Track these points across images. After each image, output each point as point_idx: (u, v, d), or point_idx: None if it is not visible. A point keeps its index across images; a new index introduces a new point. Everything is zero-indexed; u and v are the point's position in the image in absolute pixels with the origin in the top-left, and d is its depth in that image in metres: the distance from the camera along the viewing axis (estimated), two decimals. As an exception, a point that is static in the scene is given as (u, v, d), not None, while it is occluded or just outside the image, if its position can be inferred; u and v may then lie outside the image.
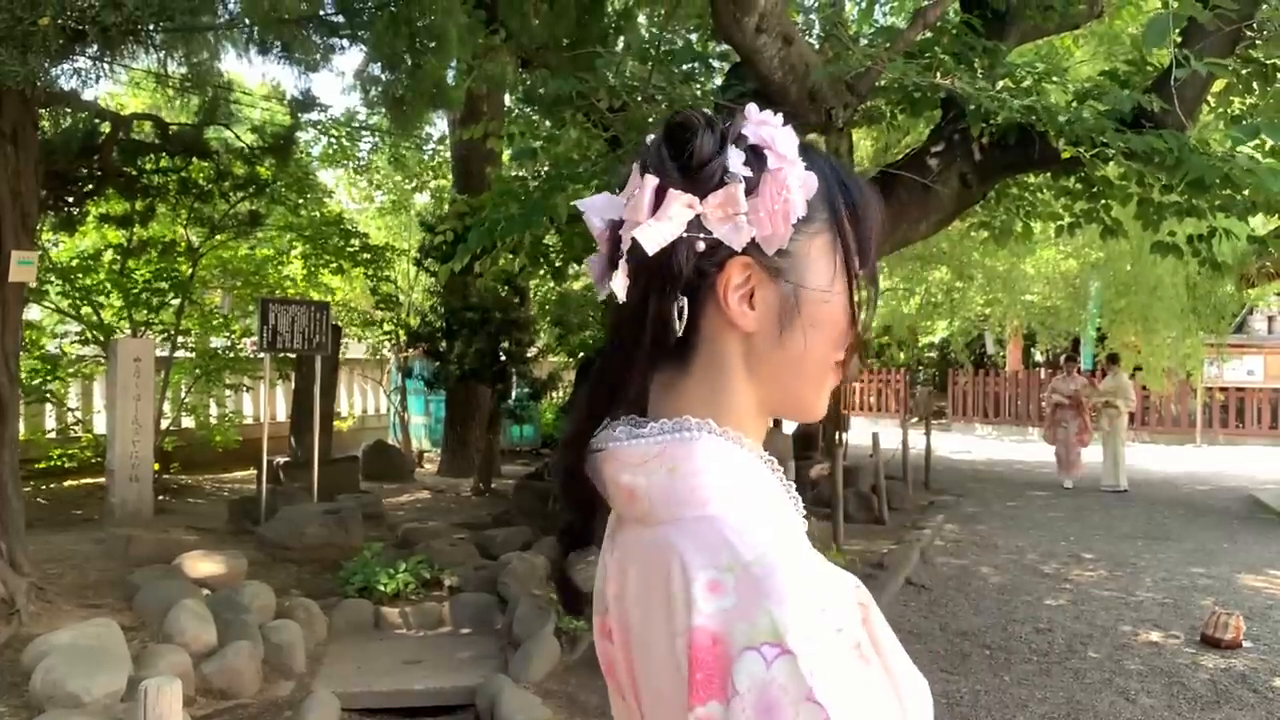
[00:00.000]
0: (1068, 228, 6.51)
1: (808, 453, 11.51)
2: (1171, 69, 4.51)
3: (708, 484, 0.83)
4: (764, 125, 0.88)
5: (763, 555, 0.78)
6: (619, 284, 0.86)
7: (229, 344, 10.44)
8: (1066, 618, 6.48)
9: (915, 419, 14.59)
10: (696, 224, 0.85)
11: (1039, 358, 24.41)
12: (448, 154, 13.33)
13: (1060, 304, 17.20)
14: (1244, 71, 5.09)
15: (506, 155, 10.27)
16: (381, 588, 6.08)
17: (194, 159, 8.88)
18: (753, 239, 0.86)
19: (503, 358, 10.29)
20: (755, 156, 0.87)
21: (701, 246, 0.85)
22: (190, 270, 9.62)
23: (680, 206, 0.85)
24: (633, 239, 0.84)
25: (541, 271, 7.50)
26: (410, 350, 12.29)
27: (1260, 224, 7.00)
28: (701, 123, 0.87)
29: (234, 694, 4.68)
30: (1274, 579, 7.77)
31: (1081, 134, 4.11)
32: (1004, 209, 7.06)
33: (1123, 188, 5.92)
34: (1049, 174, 6.26)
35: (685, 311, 0.87)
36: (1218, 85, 5.43)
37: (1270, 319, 21.02)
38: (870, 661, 0.77)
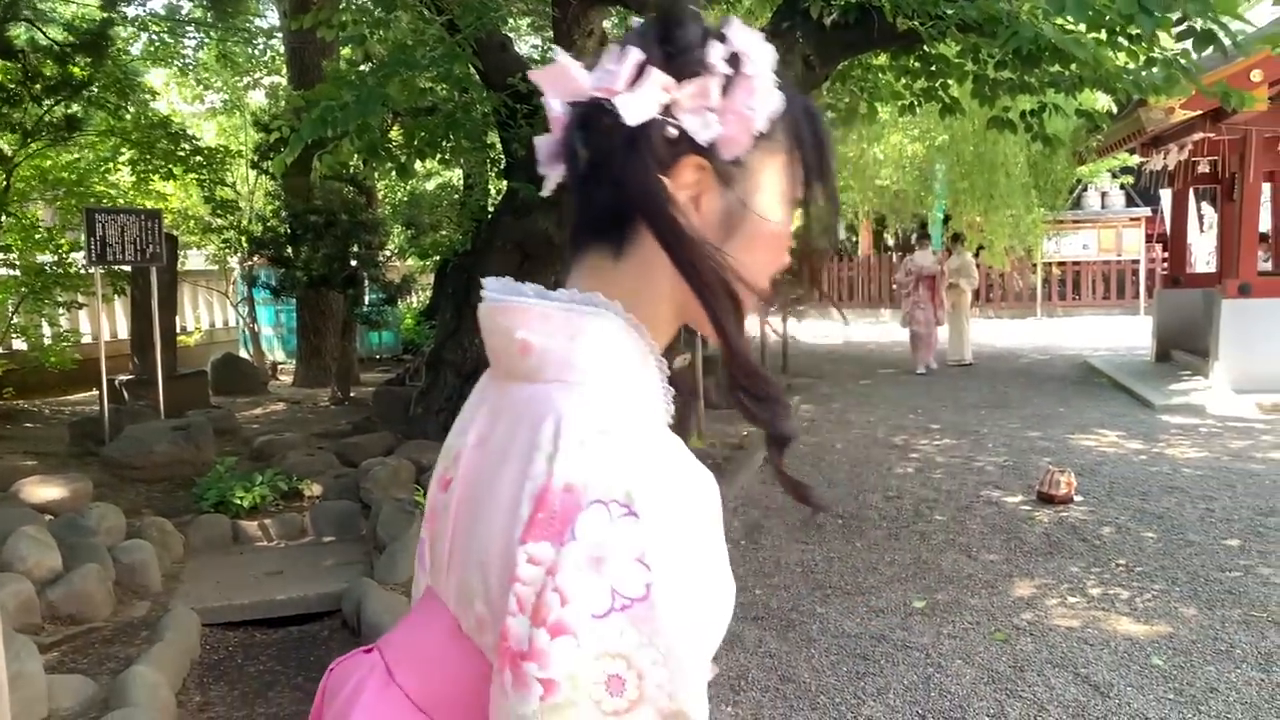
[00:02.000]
0: (909, 107, 6.63)
1: (670, 343, 11.63)
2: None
3: (601, 357, 0.86)
4: (746, 35, 0.89)
5: (638, 429, 0.82)
6: (579, 152, 0.87)
7: (56, 260, 9.81)
8: (914, 485, 6.80)
9: (774, 306, 14.93)
10: (667, 110, 0.85)
11: (890, 242, 25.11)
12: (281, 48, 12.65)
13: (908, 188, 17.65)
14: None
15: (345, 49, 9.83)
16: (238, 502, 5.94)
17: (-2, 60, 8.21)
18: (712, 141, 0.86)
19: (353, 262, 9.99)
20: (733, 59, 0.87)
21: (673, 133, 0.85)
22: (5, 182, 8.95)
23: (657, 85, 0.85)
24: (610, 111, 0.84)
25: (386, 168, 7.25)
26: (254, 258, 11.80)
27: (1093, 100, 7.27)
28: (691, 14, 0.88)
29: (85, 618, 4.52)
30: (1103, 437, 8.31)
31: (916, 7, 4.15)
32: (849, 91, 7.13)
33: (959, 65, 6.04)
34: (890, 54, 6.32)
35: (676, 183, 0.86)
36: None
37: (1103, 195, 22.06)
38: (708, 550, 0.81)
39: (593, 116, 0.86)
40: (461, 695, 0.84)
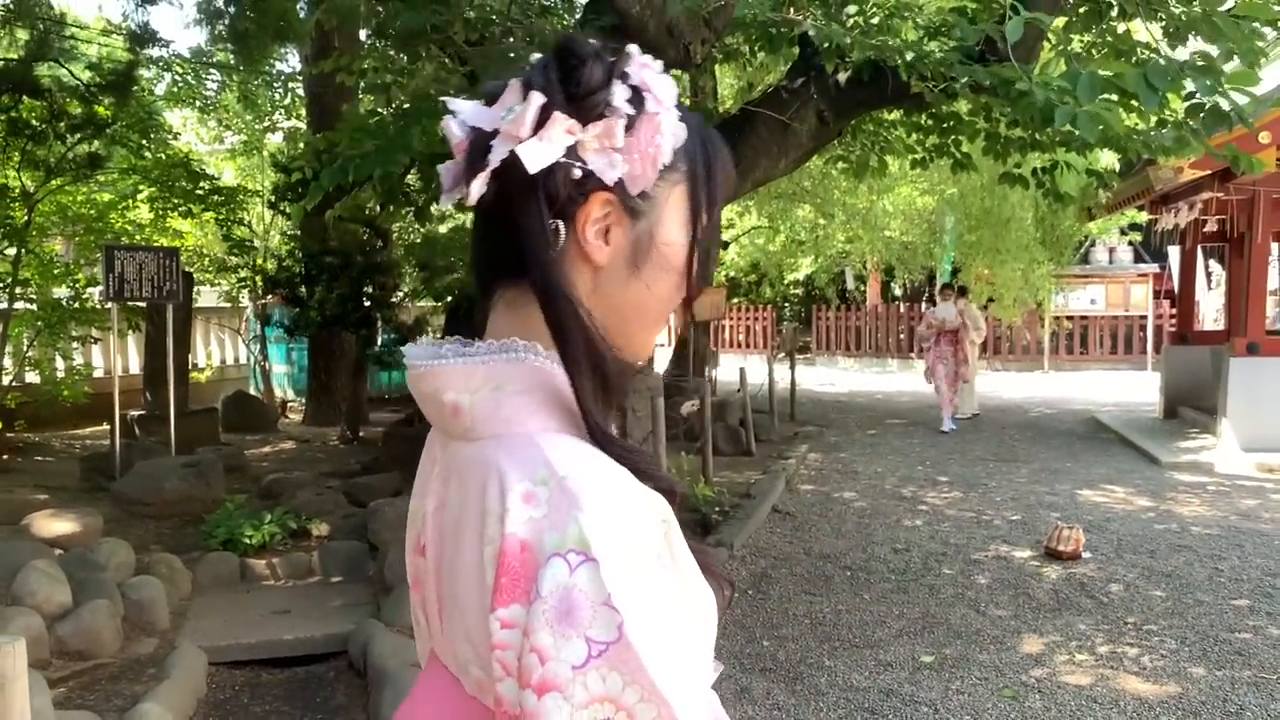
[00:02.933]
0: (920, 162, 6.72)
1: (679, 390, 11.67)
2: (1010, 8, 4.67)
3: (530, 404, 0.88)
4: (646, 68, 0.90)
5: (576, 470, 0.82)
6: (477, 188, 0.87)
7: (73, 294, 9.90)
8: (922, 538, 6.79)
9: (781, 354, 14.94)
10: (572, 151, 0.86)
11: (897, 292, 25.20)
12: (301, 92, 12.84)
13: (916, 240, 17.75)
14: (1081, 10, 5.30)
15: (366, 97, 9.98)
16: (247, 540, 5.95)
17: (24, 98, 8.32)
18: (621, 178, 0.88)
19: (366, 303, 10.07)
20: (636, 96, 0.88)
21: (578, 174, 0.87)
22: (26, 217, 9.06)
23: (561, 130, 0.86)
24: (511, 153, 0.84)
25: (403, 212, 7.34)
26: (268, 297, 11.90)
27: (1100, 159, 7.35)
28: (591, 52, 0.89)
29: (93, 654, 4.53)
30: (1111, 493, 8.29)
31: (930, 69, 4.23)
32: (860, 144, 7.22)
33: (971, 123, 6.12)
34: (902, 110, 6.41)
35: (561, 232, 0.88)
36: (1059, 22, 5.64)
37: (1111, 250, 22.15)
38: (668, 573, 0.82)
39: (489, 156, 0.87)
40: None
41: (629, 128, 0.87)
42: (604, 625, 0.76)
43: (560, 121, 0.85)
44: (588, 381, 0.88)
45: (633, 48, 0.91)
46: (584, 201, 0.88)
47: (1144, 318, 20.93)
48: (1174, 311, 20.02)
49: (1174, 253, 16.69)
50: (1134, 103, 4.21)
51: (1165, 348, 13.54)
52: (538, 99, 0.86)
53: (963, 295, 14.09)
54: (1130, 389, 16.13)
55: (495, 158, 0.86)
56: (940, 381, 12.29)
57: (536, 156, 0.84)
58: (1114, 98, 3.84)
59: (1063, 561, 6.12)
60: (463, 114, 0.90)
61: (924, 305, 13.35)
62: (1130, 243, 21.29)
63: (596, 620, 0.76)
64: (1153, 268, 21.08)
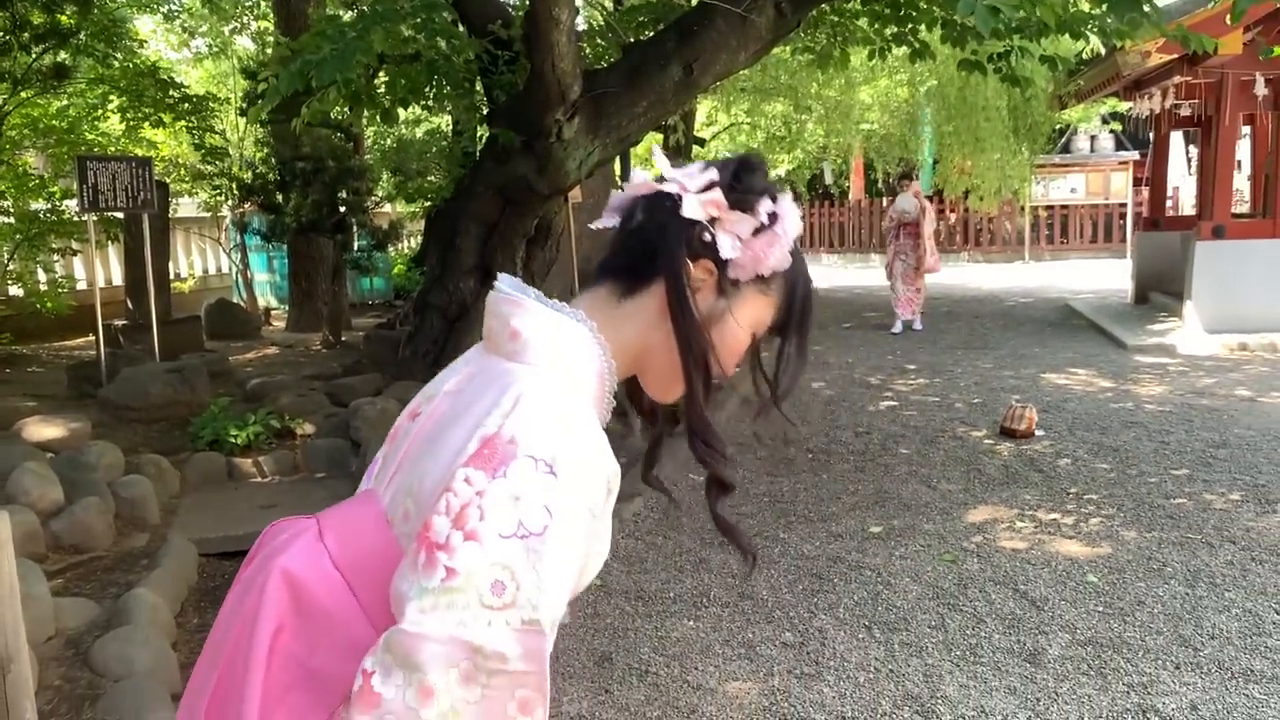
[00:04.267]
0: (879, 51, 6.77)
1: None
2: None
3: (567, 354, 1.11)
4: (790, 206, 1.17)
5: (573, 412, 1.06)
6: (609, 219, 1.19)
7: (50, 207, 9.94)
8: (884, 422, 7.05)
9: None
10: (711, 221, 1.13)
11: (881, 187, 25.16)
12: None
13: (896, 131, 17.70)
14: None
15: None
16: (233, 440, 6.15)
17: (-15, 9, 8.27)
18: (728, 260, 1.12)
19: (341, 209, 10.13)
20: (773, 216, 1.14)
21: (707, 238, 1.12)
22: (-4, 130, 9.07)
23: (714, 201, 1.12)
24: (678, 195, 1.12)
25: (370, 113, 7.36)
26: (245, 205, 11.93)
27: (1059, 45, 7.39)
28: (763, 170, 1.18)
29: (87, 548, 4.76)
30: (1073, 375, 8.55)
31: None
32: (824, 36, 7.25)
33: (928, 10, 6.17)
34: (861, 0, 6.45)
35: (691, 271, 1.12)
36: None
37: (1092, 139, 22.08)
38: (595, 521, 1.05)
39: (659, 197, 1.13)
40: (371, 566, 1.07)
41: (756, 230, 1.13)
42: (536, 519, 0.97)
43: (717, 195, 1.12)
44: (698, 368, 1.14)
45: (787, 190, 1.22)
46: (697, 259, 1.12)
47: (1124, 205, 21.00)
48: (1149, 198, 20.16)
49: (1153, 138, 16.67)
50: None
51: (1137, 234, 13.68)
52: (712, 174, 1.14)
53: (907, 180, 13.62)
54: (1107, 277, 16.31)
55: (669, 188, 1.13)
56: (896, 279, 11.62)
57: (693, 206, 1.11)
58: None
59: (1016, 440, 6.38)
60: (661, 167, 1.17)
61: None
62: (1112, 131, 21.23)
63: (534, 514, 0.97)
64: (1133, 155, 21.04)
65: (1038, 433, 6.49)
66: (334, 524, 1.14)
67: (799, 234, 1.18)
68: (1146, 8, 5.34)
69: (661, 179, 1.15)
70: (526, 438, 0.99)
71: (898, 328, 11.52)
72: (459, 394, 1.12)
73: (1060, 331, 11.23)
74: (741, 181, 1.14)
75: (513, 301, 1.13)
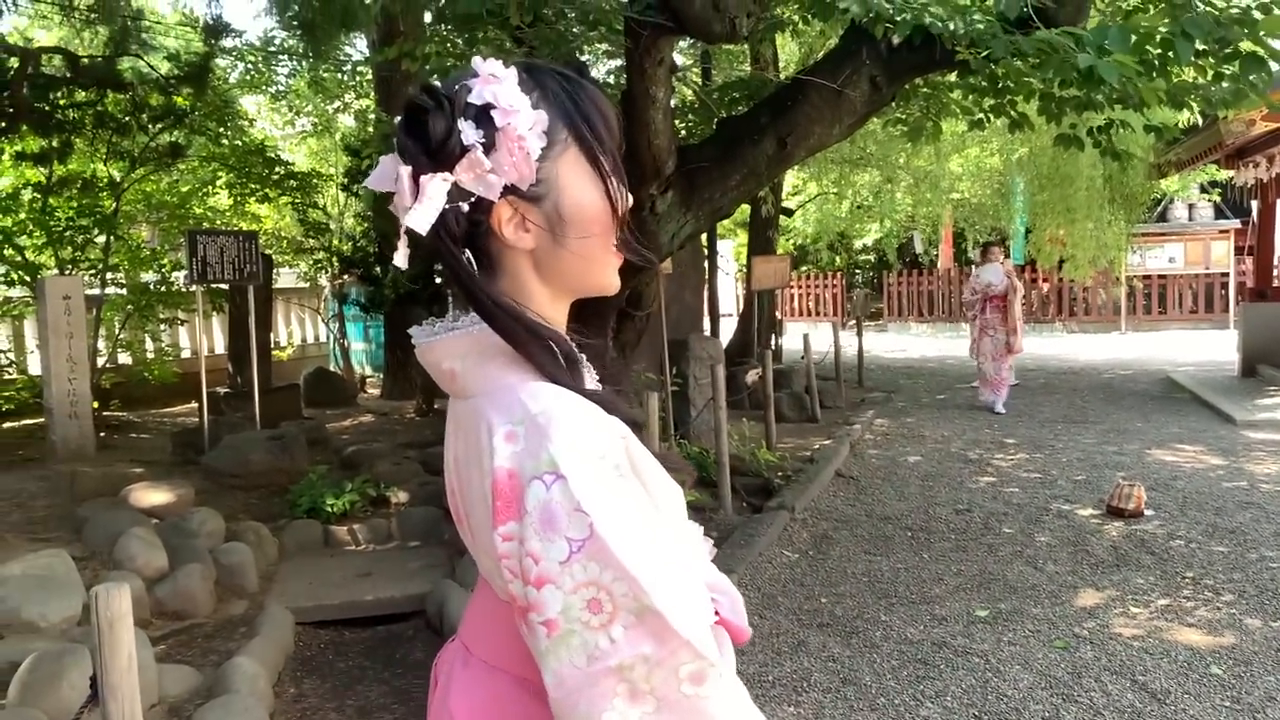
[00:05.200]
0: (977, 123, 6.71)
1: (742, 358, 11.78)
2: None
3: (505, 362, 1.07)
4: (489, 83, 1.03)
5: (544, 409, 1.00)
6: (401, 259, 1.09)
7: (160, 278, 10.35)
8: (985, 499, 6.85)
9: (851, 320, 14.87)
10: (457, 191, 1.04)
11: (972, 255, 24.86)
12: (369, 75, 13.13)
13: (986, 201, 17.52)
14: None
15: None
16: (329, 508, 6.24)
17: (108, 91, 8.71)
18: (507, 184, 1.04)
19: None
20: (485, 117, 1.02)
21: (466, 208, 1.04)
22: (114, 205, 9.50)
23: (437, 185, 1.02)
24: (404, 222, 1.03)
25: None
26: (344, 276, 12.25)
27: (1164, 115, 7.24)
28: (431, 103, 1.02)
29: (188, 614, 4.84)
30: (1180, 451, 8.23)
31: (974, 37, 4.27)
32: (917, 108, 7.22)
33: (1025, 84, 6.10)
34: (956, 73, 6.41)
35: (473, 262, 1.07)
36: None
37: (1190, 207, 21.59)
38: (627, 479, 1.00)
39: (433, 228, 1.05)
40: (516, 647, 1.05)
41: (489, 148, 1.02)
42: (578, 526, 0.94)
43: (431, 180, 1.02)
44: (534, 349, 1.06)
45: (476, 60, 1.06)
46: (490, 212, 1.05)
47: (1225, 275, 20.39)
48: (1255, 268, 19.53)
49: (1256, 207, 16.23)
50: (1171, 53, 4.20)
51: (1243, 304, 13.24)
52: (405, 171, 1.03)
53: (989, 251, 13.22)
54: (1210, 348, 15.80)
55: (401, 229, 1.04)
56: (984, 358, 10.71)
57: (422, 220, 1.02)
58: (1155, 49, 3.85)
59: (1125, 519, 6.14)
60: (375, 181, 1.09)
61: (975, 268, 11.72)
62: (1210, 199, 20.73)
63: (572, 524, 0.94)
64: (1234, 223, 20.49)
65: (1147, 512, 6.24)
66: (473, 631, 1.20)
67: (514, 91, 1.03)
68: (1253, 77, 5.23)
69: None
70: (520, 464, 0.97)
71: (1000, 406, 10.63)
72: (459, 458, 1.11)
73: (1163, 405, 10.86)
74: (429, 139, 1.01)
75: (431, 346, 1.11)
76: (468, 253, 1.06)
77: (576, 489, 0.95)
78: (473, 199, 1.04)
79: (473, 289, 1.06)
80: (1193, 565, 5.26)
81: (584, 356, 1.16)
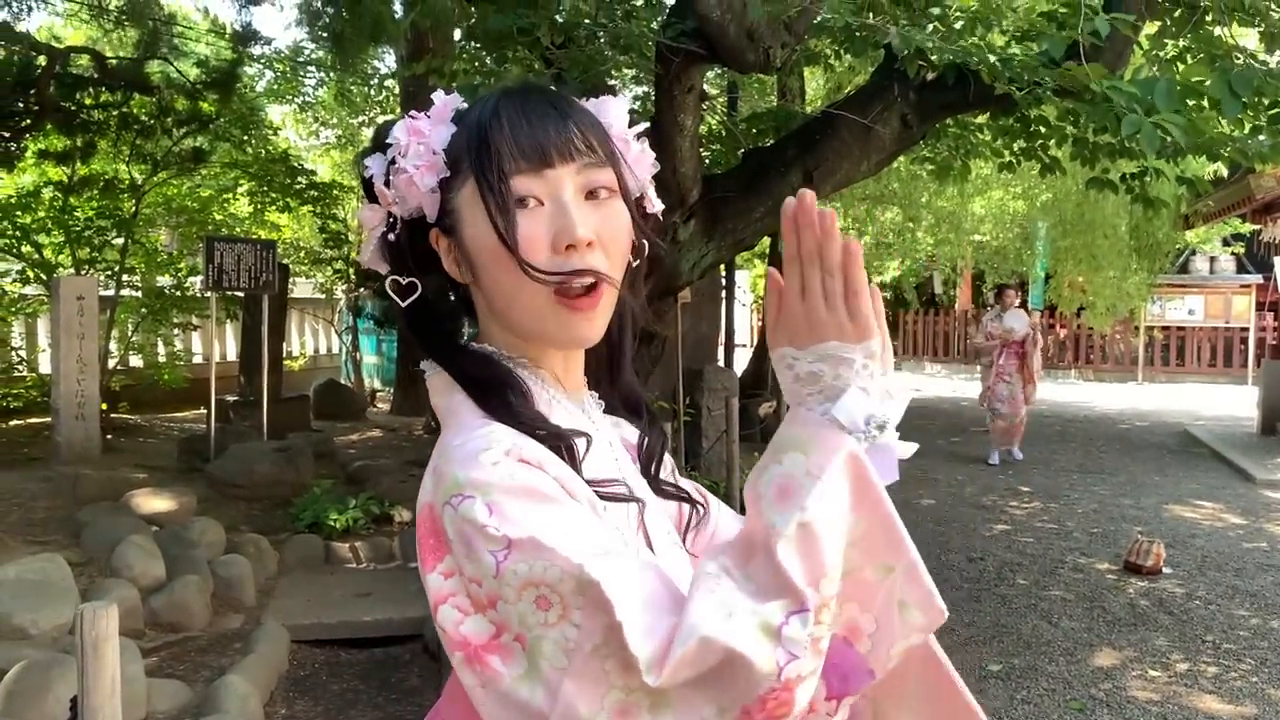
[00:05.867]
0: (1007, 165, 6.64)
1: (756, 390, 11.68)
2: (1107, 8, 4.61)
3: (465, 401, 1.04)
4: (407, 120, 1.03)
5: (460, 440, 0.97)
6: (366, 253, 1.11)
7: (175, 283, 10.33)
8: (999, 547, 6.72)
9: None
10: (391, 220, 1.05)
11: (990, 297, 24.76)
12: (396, 89, 13.15)
13: (1008, 244, 17.43)
14: (1175, 14, 5.18)
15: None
16: (332, 523, 6.16)
17: (135, 94, 8.72)
18: (410, 217, 1.04)
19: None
20: (383, 152, 1.04)
21: (392, 238, 1.05)
22: (133, 208, 9.49)
23: (368, 214, 1.06)
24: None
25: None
26: (360, 290, 12.22)
27: (1192, 166, 7.17)
28: (372, 144, 1.07)
29: (183, 627, 4.76)
30: (1199, 508, 8.08)
31: (1014, 74, 4.19)
32: (945, 147, 7.16)
33: (1059, 128, 6.03)
34: (988, 114, 6.35)
35: (417, 285, 1.07)
36: (1150, 28, 5.53)
37: (1212, 260, 21.45)
38: (539, 477, 0.94)
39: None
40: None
41: (387, 181, 1.03)
42: (495, 539, 0.88)
43: (364, 210, 1.07)
44: (464, 380, 1.05)
45: (436, 95, 1.05)
46: (426, 242, 1.05)
47: (1245, 330, 20.22)
48: (1277, 324, 19.36)
49: (1279, 264, 16.10)
50: (1216, 110, 4.12)
51: (1265, 361, 13.09)
52: (364, 212, 1.08)
53: (1003, 296, 13.20)
54: (1228, 403, 15.62)
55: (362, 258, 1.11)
56: (1000, 404, 10.14)
57: (364, 251, 1.08)
58: (1200, 103, 3.77)
59: (1142, 576, 6.00)
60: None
61: (990, 311, 11.26)
62: (1233, 253, 20.59)
63: (488, 539, 0.88)
64: (1256, 279, 20.33)
65: (1165, 570, 6.10)
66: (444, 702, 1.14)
67: (409, 125, 1.03)
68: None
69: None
70: (434, 495, 0.93)
71: (1010, 457, 10.23)
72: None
73: (1181, 460, 10.70)
74: (364, 180, 1.07)
75: (428, 381, 1.10)
76: (413, 281, 1.06)
77: (482, 501, 0.90)
78: (396, 225, 1.04)
79: (409, 319, 1.08)
80: (1212, 629, 5.12)
81: (595, 399, 1.15)
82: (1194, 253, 21.14)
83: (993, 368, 10.24)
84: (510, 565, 0.87)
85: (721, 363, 10.66)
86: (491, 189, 0.98)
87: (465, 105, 1.05)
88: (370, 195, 1.05)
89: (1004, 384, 10.12)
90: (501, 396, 1.02)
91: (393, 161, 1.02)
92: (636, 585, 0.88)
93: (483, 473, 0.91)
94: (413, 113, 1.04)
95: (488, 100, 1.03)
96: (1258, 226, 12.12)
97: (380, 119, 15.16)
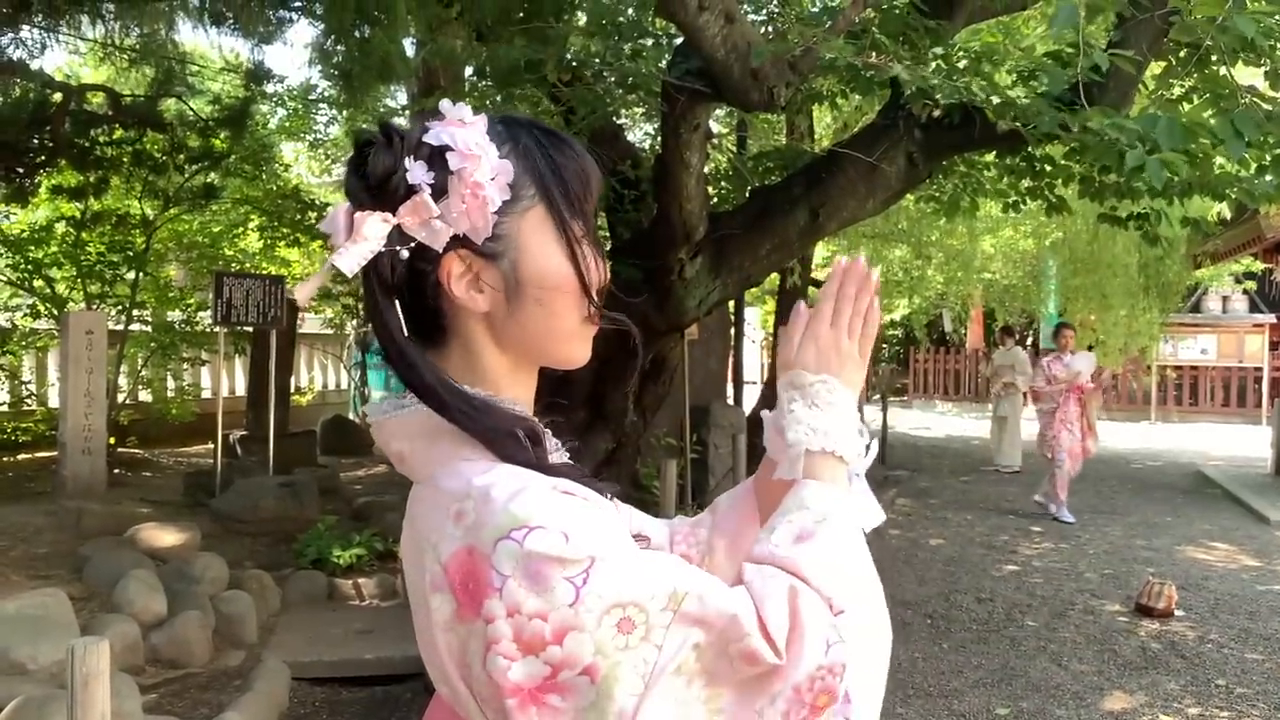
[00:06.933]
0: (1013, 204, 6.64)
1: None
2: (1117, 44, 4.63)
3: (454, 442, 0.95)
4: (447, 126, 0.94)
5: (492, 476, 0.89)
6: (304, 291, 0.98)
7: (185, 318, 10.37)
8: (1008, 588, 6.64)
9: (875, 395, 14.68)
10: (399, 235, 0.93)
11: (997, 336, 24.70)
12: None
13: (1018, 282, 17.40)
14: (1181, 54, 5.19)
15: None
16: (336, 560, 6.13)
17: (148, 131, 8.80)
18: (460, 233, 0.94)
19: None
20: (439, 159, 0.93)
21: (405, 254, 0.93)
22: (145, 243, 9.55)
23: (375, 225, 0.92)
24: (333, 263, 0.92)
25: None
26: (368, 325, 12.24)
27: (1197, 206, 7.16)
28: (381, 140, 0.95)
29: (183, 663, 4.72)
30: (1212, 550, 7.99)
31: (1018, 113, 4.21)
32: (952, 185, 7.17)
33: (1065, 167, 6.03)
34: (994, 152, 6.36)
35: (451, 286, 0.96)
36: (1155, 68, 5.54)
37: (1225, 299, 21.37)
38: (595, 506, 0.91)
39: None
40: None
41: (440, 192, 0.93)
42: (573, 562, 0.83)
43: (369, 218, 0.92)
44: (470, 423, 0.94)
45: (444, 103, 0.95)
46: (439, 264, 0.94)
47: (1259, 370, 20.10)
48: (1290, 364, 19.24)
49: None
50: (1220, 149, 4.12)
51: (1278, 401, 12.99)
52: (343, 207, 0.94)
53: (1008, 335, 13.32)
54: (1242, 444, 15.50)
55: (324, 266, 0.95)
56: (1063, 453, 9.25)
57: (349, 261, 0.91)
58: (1203, 143, 3.77)
59: (1154, 618, 5.92)
60: (322, 226, 0.99)
61: (1002, 349, 11.51)
62: (1245, 291, 20.52)
63: (565, 564, 0.83)
64: (1269, 318, 20.25)
65: (1177, 612, 6.01)
66: None
67: (478, 135, 0.93)
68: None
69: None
70: (476, 536, 0.85)
71: (1067, 516, 9.15)
72: (408, 556, 0.98)
73: (1194, 500, 10.59)
74: (372, 175, 0.93)
75: (383, 425, 1.01)
76: (396, 305, 0.96)
77: (555, 529, 0.84)
78: (413, 244, 0.94)
79: (402, 350, 0.95)
80: (1225, 673, 5.04)
81: (549, 434, 1.04)
82: (1206, 292, 21.07)
83: (1055, 414, 9.36)
84: (592, 588, 0.83)
85: (730, 400, 10.64)
86: (580, 221, 0.99)
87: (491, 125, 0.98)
88: (375, 202, 0.93)
89: (1067, 432, 9.29)
90: (539, 445, 0.97)
91: (451, 172, 0.93)
92: (724, 586, 0.89)
93: (543, 505, 0.86)
94: (446, 119, 0.95)
95: (523, 127, 0.99)
96: (1269, 265, 12.08)
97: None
